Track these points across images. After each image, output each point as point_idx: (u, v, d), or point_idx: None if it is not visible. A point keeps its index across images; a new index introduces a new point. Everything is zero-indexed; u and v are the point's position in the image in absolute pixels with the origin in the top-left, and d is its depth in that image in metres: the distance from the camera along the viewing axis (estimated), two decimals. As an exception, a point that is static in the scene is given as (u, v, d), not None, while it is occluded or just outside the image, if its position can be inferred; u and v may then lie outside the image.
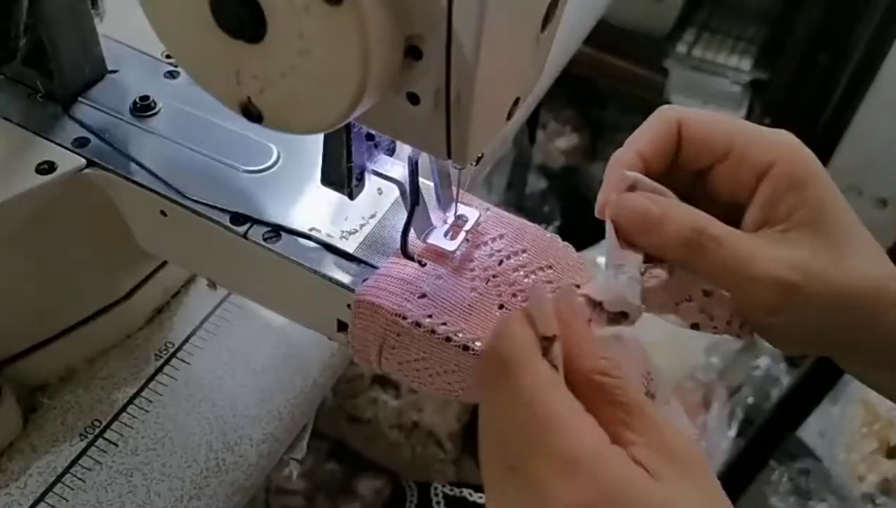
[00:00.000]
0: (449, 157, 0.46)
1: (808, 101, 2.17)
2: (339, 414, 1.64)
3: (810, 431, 1.72)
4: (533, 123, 2.27)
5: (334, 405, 1.64)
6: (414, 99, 0.44)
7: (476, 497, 1.51)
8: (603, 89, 2.45)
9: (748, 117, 2.16)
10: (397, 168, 0.56)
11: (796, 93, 2.17)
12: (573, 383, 0.44)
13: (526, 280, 0.55)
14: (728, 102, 2.16)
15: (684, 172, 0.57)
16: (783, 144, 0.54)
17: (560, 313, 0.46)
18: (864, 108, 1.95)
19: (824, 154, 2.06)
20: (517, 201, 2.33)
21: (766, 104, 2.18)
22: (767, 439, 1.65)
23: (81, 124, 0.64)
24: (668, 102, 2.28)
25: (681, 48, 2.20)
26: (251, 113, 0.44)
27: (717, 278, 0.52)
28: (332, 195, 0.58)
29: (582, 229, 1.10)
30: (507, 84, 0.47)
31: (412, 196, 0.55)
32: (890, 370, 0.55)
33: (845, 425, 1.72)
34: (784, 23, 2.20)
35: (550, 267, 0.56)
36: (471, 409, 1.64)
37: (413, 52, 0.41)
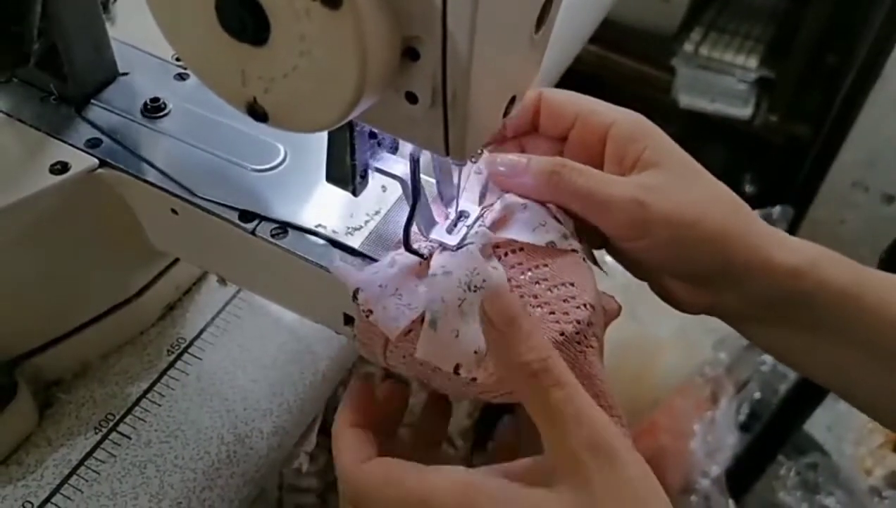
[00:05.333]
0: (447, 154, 0.48)
1: (815, 99, 2.18)
2: (351, 412, 1.65)
3: (818, 425, 1.73)
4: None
5: (346, 403, 1.64)
6: (412, 98, 0.45)
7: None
8: (610, 88, 2.45)
9: (755, 115, 2.17)
10: (400, 165, 0.57)
11: (803, 91, 2.17)
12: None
13: (549, 293, 0.56)
14: (735, 101, 2.17)
15: (548, 145, 0.64)
16: (620, 109, 0.62)
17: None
18: (869, 105, 1.95)
19: (831, 151, 2.07)
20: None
21: (773, 102, 2.19)
22: (775, 433, 1.65)
23: (94, 126, 0.66)
24: (675, 101, 2.29)
25: (688, 47, 2.21)
26: (256, 112, 0.45)
27: (579, 203, 0.58)
28: (338, 193, 0.59)
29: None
30: (502, 83, 0.48)
31: (413, 192, 0.56)
32: (740, 297, 0.60)
33: (852, 419, 1.72)
34: (791, 21, 2.21)
35: (573, 284, 0.57)
36: (481, 406, 1.64)
37: (411, 53, 0.43)
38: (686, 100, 2.19)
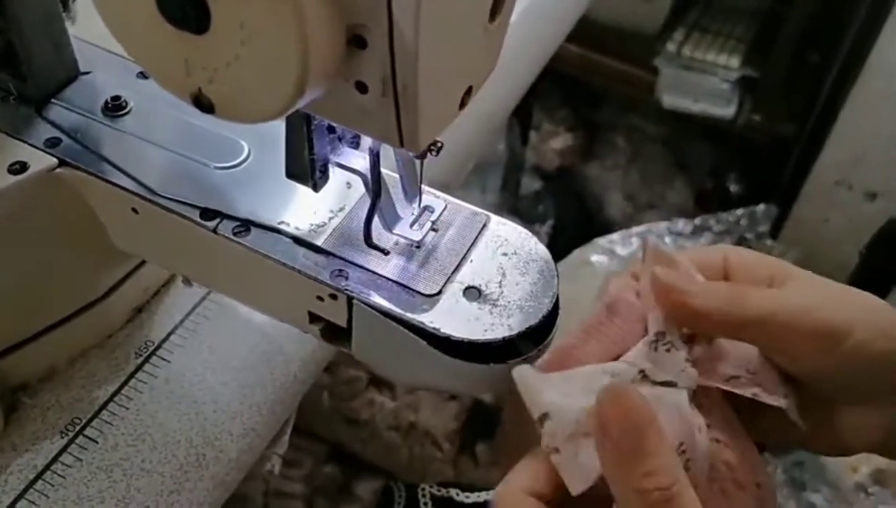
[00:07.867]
0: (402, 145, 0.47)
1: (798, 98, 2.18)
2: (337, 417, 1.65)
3: (804, 424, 1.72)
4: (525, 124, 2.28)
5: (331, 407, 1.64)
6: (362, 88, 0.44)
7: (462, 497, 1.51)
8: (596, 89, 2.45)
9: (738, 115, 2.17)
10: (360, 160, 0.57)
11: (786, 90, 2.17)
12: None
13: None
14: (718, 100, 2.17)
15: None
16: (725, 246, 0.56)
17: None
18: (851, 103, 1.95)
19: (814, 150, 2.07)
20: (512, 203, 2.33)
21: (756, 102, 2.19)
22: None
23: (53, 125, 0.65)
24: (658, 101, 2.28)
25: (671, 47, 2.20)
26: (202, 104, 0.45)
27: (759, 329, 0.50)
28: (302, 190, 0.58)
29: (576, 229, 1.10)
30: (455, 73, 0.48)
31: (374, 187, 0.56)
32: None
33: (838, 417, 1.72)
34: (773, 20, 2.21)
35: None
36: (467, 408, 1.64)
37: (357, 42, 0.42)
38: (669, 100, 2.19)
